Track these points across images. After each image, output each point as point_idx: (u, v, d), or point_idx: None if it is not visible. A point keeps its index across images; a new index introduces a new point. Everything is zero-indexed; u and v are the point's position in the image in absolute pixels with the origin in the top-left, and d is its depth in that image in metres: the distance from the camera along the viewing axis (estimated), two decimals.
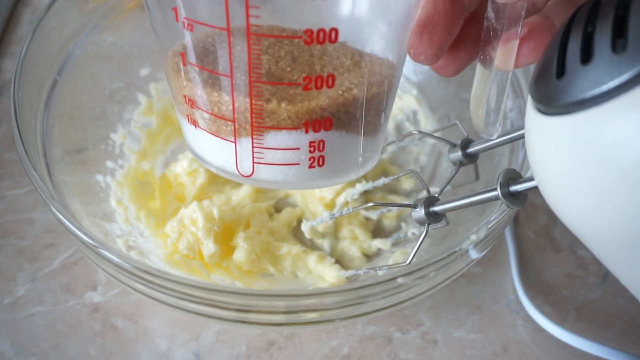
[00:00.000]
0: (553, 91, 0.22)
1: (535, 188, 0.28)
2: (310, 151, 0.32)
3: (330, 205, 0.45)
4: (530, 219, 0.48)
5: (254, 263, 0.42)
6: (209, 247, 0.41)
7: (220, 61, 0.29)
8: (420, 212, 0.34)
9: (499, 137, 0.35)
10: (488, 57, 0.29)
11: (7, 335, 0.40)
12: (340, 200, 0.44)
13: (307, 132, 0.31)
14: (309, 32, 0.28)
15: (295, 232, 0.46)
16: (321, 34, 0.28)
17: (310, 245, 0.45)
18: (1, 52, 0.57)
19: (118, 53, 0.49)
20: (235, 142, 0.32)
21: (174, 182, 0.46)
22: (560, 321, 0.42)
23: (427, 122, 0.51)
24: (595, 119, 0.20)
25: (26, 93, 0.39)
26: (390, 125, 0.52)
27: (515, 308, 0.43)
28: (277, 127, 0.30)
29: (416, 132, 0.43)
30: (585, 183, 0.21)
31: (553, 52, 0.23)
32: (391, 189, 0.48)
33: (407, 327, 0.42)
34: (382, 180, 0.42)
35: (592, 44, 0.21)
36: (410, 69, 0.53)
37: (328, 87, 0.30)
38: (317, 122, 0.31)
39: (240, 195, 0.46)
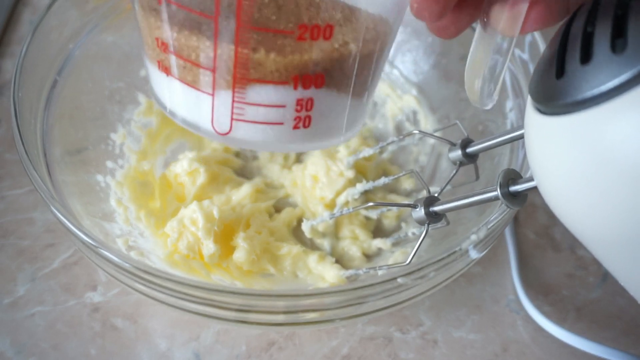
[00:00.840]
0: (553, 91, 0.22)
1: (535, 188, 0.28)
2: (296, 110, 0.29)
3: (331, 205, 0.45)
4: (530, 219, 0.48)
5: (254, 263, 0.42)
6: (209, 247, 0.41)
7: None
8: (420, 212, 0.34)
9: (498, 136, 0.35)
10: (492, 20, 0.27)
11: (7, 335, 0.40)
12: (341, 200, 0.44)
13: (295, 88, 0.28)
14: None
15: (296, 232, 0.46)
16: None
17: (310, 245, 0.45)
18: (1, 52, 0.57)
19: (118, 53, 0.49)
20: (213, 95, 0.29)
21: (174, 182, 0.46)
22: (560, 321, 0.42)
23: (427, 122, 0.51)
24: (595, 119, 0.20)
25: (26, 93, 0.39)
26: (390, 125, 0.52)
27: (515, 308, 0.43)
28: (263, 80, 0.28)
29: (416, 131, 0.43)
30: (584, 183, 0.21)
31: (553, 51, 0.23)
32: (391, 189, 0.48)
33: (407, 327, 0.42)
34: (382, 180, 0.42)
35: (591, 44, 0.21)
36: (410, 69, 0.53)
37: (325, 38, 0.27)
38: (307, 77, 0.28)
39: (240, 195, 0.46)
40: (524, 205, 0.31)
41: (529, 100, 0.25)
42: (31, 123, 0.39)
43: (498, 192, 0.30)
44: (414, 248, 0.34)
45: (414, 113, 0.52)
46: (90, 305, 0.42)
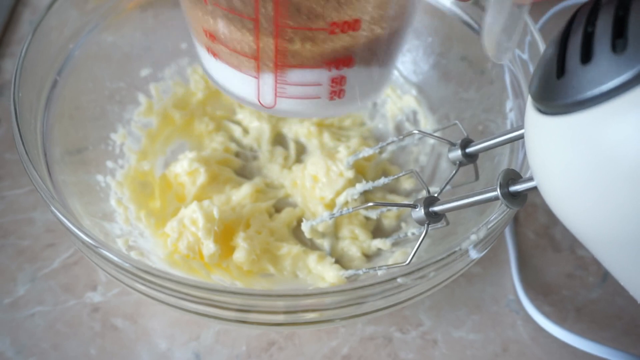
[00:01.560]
0: (553, 91, 0.22)
1: (535, 188, 0.28)
2: (331, 86, 0.33)
3: (330, 205, 0.45)
4: (530, 219, 0.48)
5: (254, 263, 0.42)
6: (209, 247, 0.41)
7: (246, 3, 0.29)
8: (420, 212, 0.34)
9: (498, 136, 0.35)
10: None
11: (7, 335, 0.40)
12: (340, 200, 0.44)
13: (329, 70, 0.32)
14: None
15: (295, 232, 0.46)
16: None
17: (310, 245, 0.45)
18: (1, 52, 0.57)
19: (118, 53, 0.49)
20: (257, 77, 0.33)
21: (174, 182, 0.46)
22: (560, 321, 0.42)
23: (426, 122, 0.51)
24: (595, 119, 0.20)
25: (26, 93, 0.39)
26: (390, 126, 0.52)
27: (515, 308, 0.43)
28: (301, 66, 0.31)
29: (416, 131, 0.43)
30: (584, 183, 0.21)
31: (553, 51, 0.23)
32: (391, 189, 0.48)
33: (407, 327, 0.42)
34: (382, 180, 0.42)
35: (592, 44, 0.21)
36: (410, 69, 0.53)
37: (353, 30, 0.31)
38: (339, 60, 0.32)
39: (240, 195, 0.46)
40: (524, 205, 0.31)
41: (529, 100, 0.25)
42: (31, 123, 0.39)
43: (498, 192, 0.30)
44: (413, 248, 0.34)
45: (414, 113, 0.52)
46: (90, 305, 0.42)
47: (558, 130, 0.22)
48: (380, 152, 0.50)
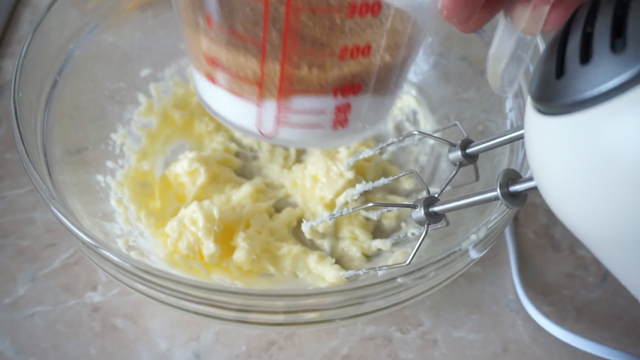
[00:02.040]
0: (552, 91, 0.22)
1: (535, 188, 0.28)
2: (336, 114, 0.32)
3: (330, 205, 0.45)
4: (530, 219, 0.48)
5: (254, 263, 0.42)
6: (209, 247, 0.41)
7: (253, 28, 0.28)
8: (420, 213, 0.34)
9: (498, 136, 0.35)
10: (515, 20, 0.29)
11: (7, 335, 0.40)
12: (340, 200, 0.44)
13: (335, 97, 0.31)
14: (351, 5, 0.27)
15: (295, 232, 0.46)
16: (364, 8, 0.28)
17: (310, 246, 0.45)
18: (1, 53, 0.57)
19: (118, 53, 0.49)
20: (259, 105, 0.31)
21: (174, 182, 0.46)
22: (560, 321, 0.42)
23: (426, 123, 0.51)
24: (595, 119, 0.20)
25: (26, 93, 0.39)
26: (390, 126, 0.52)
27: (515, 308, 0.43)
28: (306, 92, 0.30)
29: (416, 132, 0.43)
30: (584, 183, 0.21)
31: (552, 52, 0.23)
32: (391, 189, 0.48)
33: (407, 327, 0.42)
34: (382, 181, 0.42)
35: (591, 44, 0.21)
36: (410, 69, 0.53)
37: (363, 56, 0.29)
38: (346, 87, 0.30)
39: (240, 195, 0.46)
40: (524, 205, 0.31)
41: (528, 100, 0.25)
42: (31, 123, 0.39)
43: (498, 192, 0.30)
44: (413, 248, 0.34)
45: (414, 113, 0.52)
46: (90, 305, 0.42)
47: (558, 130, 0.22)
48: (380, 153, 0.50)
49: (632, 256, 0.22)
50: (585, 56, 0.21)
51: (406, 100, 0.52)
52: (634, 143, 0.19)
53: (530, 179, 0.28)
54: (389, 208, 0.45)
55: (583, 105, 0.21)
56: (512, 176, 0.30)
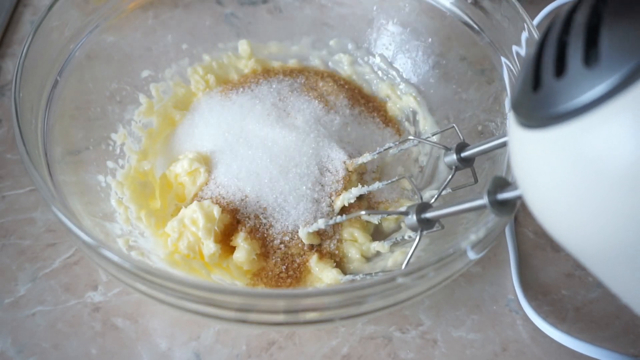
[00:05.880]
0: (529, 104, 0.22)
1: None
2: None
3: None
4: (530, 219, 0.48)
5: (254, 263, 0.42)
6: (209, 246, 0.41)
7: None
8: (412, 219, 0.34)
9: (493, 140, 0.35)
10: None
11: (8, 335, 0.40)
12: (338, 204, 0.44)
13: None
14: None
15: None
16: None
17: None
18: (2, 53, 0.57)
19: (119, 53, 0.50)
20: None
21: (174, 182, 0.46)
22: (559, 320, 0.42)
23: (426, 123, 0.51)
24: (572, 134, 0.20)
25: (27, 93, 0.39)
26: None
27: (515, 308, 0.43)
28: None
29: (412, 138, 0.43)
30: (565, 195, 0.21)
31: (530, 62, 0.22)
32: (393, 190, 0.48)
33: (406, 326, 0.42)
34: (376, 185, 0.42)
35: (565, 56, 0.21)
36: (410, 70, 0.53)
37: None
38: None
39: None
40: (513, 213, 0.30)
41: (510, 113, 0.24)
42: (32, 123, 0.40)
43: (486, 201, 0.29)
44: (410, 252, 0.34)
45: (414, 113, 0.52)
46: (90, 305, 0.42)
47: (537, 143, 0.22)
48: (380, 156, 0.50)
49: (622, 266, 0.21)
50: (560, 69, 0.21)
51: (406, 101, 0.52)
52: (612, 156, 0.19)
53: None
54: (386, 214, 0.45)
55: (560, 119, 0.20)
56: (501, 183, 0.29)
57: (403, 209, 0.36)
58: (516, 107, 0.23)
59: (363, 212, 0.39)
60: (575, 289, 0.44)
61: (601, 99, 0.19)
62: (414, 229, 0.35)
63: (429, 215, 0.34)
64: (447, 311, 0.43)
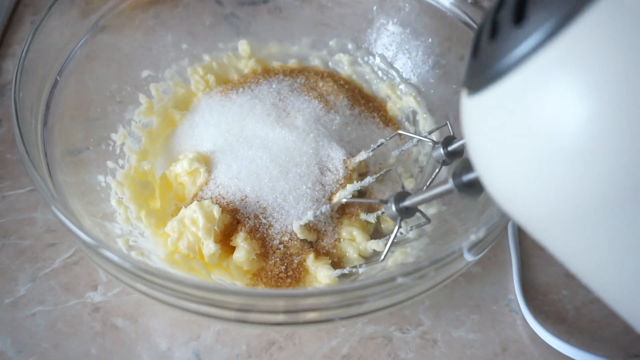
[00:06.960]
0: (470, 70, 0.23)
1: None
2: None
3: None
4: None
5: (253, 263, 0.42)
6: (209, 247, 0.41)
7: None
8: (391, 208, 0.35)
9: None
10: None
11: (7, 335, 0.40)
12: (334, 201, 0.44)
13: None
14: None
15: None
16: None
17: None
18: (2, 53, 0.57)
19: (119, 53, 0.50)
20: None
21: (174, 182, 0.46)
22: (559, 321, 0.42)
23: (426, 123, 0.51)
24: (503, 92, 0.21)
25: (27, 93, 0.40)
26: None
27: (515, 308, 0.43)
28: None
29: (401, 132, 0.44)
30: (505, 156, 0.21)
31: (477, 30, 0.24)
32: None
33: (406, 326, 0.42)
34: (367, 180, 0.42)
35: (498, 19, 0.21)
36: (410, 70, 0.53)
37: None
38: None
39: None
40: (480, 195, 0.30)
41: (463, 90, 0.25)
42: (32, 123, 0.40)
43: (451, 184, 0.29)
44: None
45: (414, 113, 0.52)
46: (90, 305, 0.42)
47: (476, 108, 0.22)
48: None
49: (574, 240, 0.21)
50: (494, 32, 0.21)
51: (406, 101, 0.52)
52: (540, 115, 0.19)
53: None
54: (383, 211, 0.45)
55: (492, 80, 0.21)
56: (467, 165, 0.29)
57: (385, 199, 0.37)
58: (465, 78, 0.24)
59: (344, 200, 0.39)
60: (575, 289, 0.44)
61: (527, 55, 0.20)
62: (393, 218, 0.35)
63: (406, 203, 0.34)
64: (447, 311, 0.43)
